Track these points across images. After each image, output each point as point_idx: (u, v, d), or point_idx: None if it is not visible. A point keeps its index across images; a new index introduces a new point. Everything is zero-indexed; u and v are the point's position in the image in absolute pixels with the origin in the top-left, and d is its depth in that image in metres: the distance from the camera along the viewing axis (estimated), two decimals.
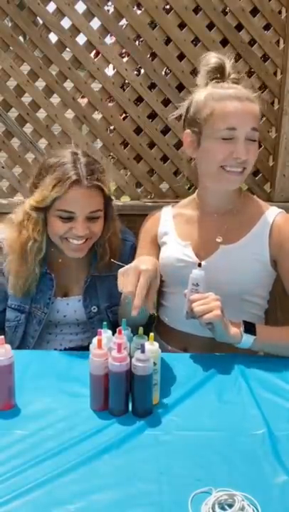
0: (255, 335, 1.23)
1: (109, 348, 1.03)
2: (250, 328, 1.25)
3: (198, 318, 1.19)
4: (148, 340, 1.04)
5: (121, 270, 1.16)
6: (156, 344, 1.04)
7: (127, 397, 1.02)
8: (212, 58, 1.35)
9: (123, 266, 1.18)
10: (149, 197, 2.11)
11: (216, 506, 0.76)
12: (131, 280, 1.11)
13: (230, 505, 0.77)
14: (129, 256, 1.57)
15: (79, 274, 1.51)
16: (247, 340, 1.23)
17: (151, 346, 1.02)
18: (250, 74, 2.02)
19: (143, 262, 1.15)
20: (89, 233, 1.37)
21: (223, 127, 1.28)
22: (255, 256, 1.37)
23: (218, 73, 1.34)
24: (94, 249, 1.49)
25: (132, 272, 1.12)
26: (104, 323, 1.12)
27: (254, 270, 1.37)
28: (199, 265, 1.25)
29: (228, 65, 1.35)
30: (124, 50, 2.02)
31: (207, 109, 1.31)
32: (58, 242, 1.40)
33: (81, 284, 1.50)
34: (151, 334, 1.04)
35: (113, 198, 1.46)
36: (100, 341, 1.01)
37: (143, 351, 0.98)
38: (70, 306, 1.50)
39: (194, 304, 1.19)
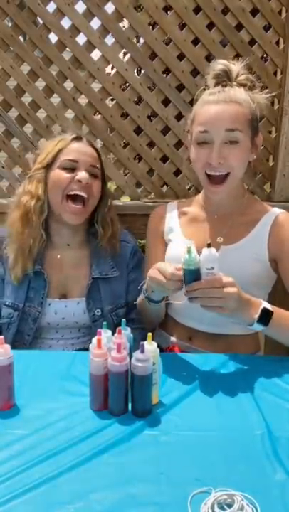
0: (266, 325, 1.19)
1: (108, 347, 1.03)
2: (265, 316, 1.19)
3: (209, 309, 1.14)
4: (146, 340, 1.04)
5: (150, 273, 1.21)
6: (155, 344, 1.04)
7: (126, 397, 1.02)
8: (218, 65, 1.37)
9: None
10: (149, 197, 2.11)
11: (216, 506, 0.76)
12: (167, 266, 1.17)
13: (230, 505, 0.77)
14: (130, 259, 1.57)
15: (78, 275, 1.51)
16: (256, 327, 1.20)
17: (150, 346, 1.02)
18: (250, 74, 2.02)
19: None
20: (89, 187, 1.43)
21: (197, 131, 1.31)
22: (254, 256, 1.37)
23: (225, 77, 1.35)
24: (92, 241, 1.53)
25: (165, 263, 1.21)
26: (105, 323, 1.12)
27: (254, 271, 1.37)
28: (208, 245, 1.13)
29: (235, 69, 1.36)
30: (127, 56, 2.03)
31: (192, 113, 1.37)
32: (58, 204, 1.44)
33: (81, 285, 1.50)
34: (149, 334, 1.04)
35: (114, 195, 1.54)
36: (99, 341, 1.01)
37: (143, 351, 0.98)
38: (69, 309, 1.49)
39: (209, 293, 1.12)
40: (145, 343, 1.01)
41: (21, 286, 1.47)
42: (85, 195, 1.43)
